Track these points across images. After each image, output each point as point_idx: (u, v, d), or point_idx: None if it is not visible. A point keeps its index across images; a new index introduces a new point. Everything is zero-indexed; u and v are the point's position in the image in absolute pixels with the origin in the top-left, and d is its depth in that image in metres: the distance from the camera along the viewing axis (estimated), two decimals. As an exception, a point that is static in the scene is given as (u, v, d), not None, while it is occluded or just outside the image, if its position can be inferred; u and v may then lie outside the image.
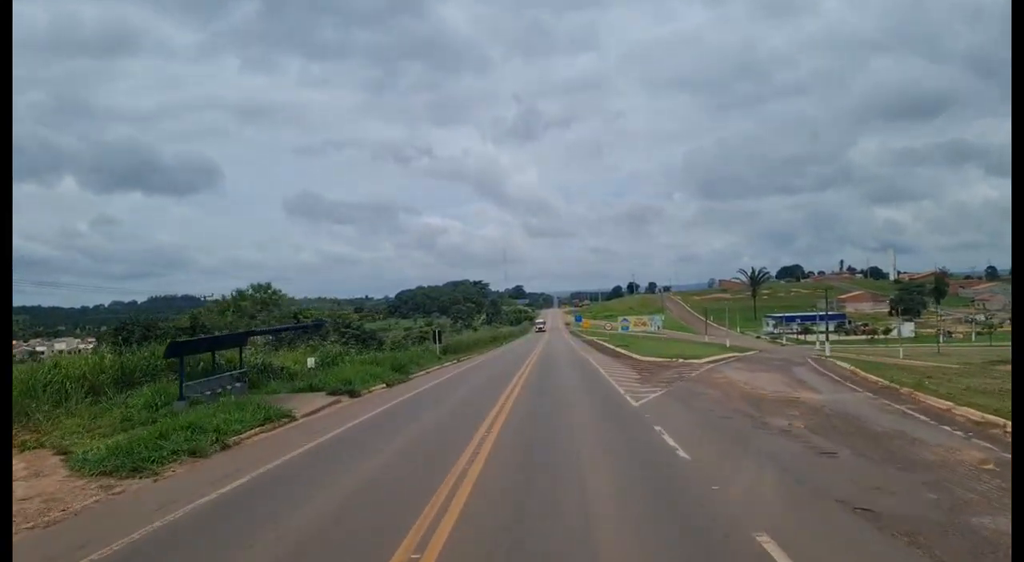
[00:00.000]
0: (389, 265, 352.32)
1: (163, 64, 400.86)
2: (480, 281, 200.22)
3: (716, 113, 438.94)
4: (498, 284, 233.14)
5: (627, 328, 79.79)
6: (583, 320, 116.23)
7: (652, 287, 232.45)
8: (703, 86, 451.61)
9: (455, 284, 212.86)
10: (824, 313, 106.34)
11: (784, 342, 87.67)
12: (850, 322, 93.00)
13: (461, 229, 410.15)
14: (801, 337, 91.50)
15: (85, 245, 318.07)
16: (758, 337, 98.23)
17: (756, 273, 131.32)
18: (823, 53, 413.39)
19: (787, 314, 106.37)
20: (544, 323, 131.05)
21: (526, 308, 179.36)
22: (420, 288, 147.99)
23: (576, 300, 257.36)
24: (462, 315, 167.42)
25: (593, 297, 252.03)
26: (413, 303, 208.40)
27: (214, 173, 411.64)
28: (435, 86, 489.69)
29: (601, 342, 59.18)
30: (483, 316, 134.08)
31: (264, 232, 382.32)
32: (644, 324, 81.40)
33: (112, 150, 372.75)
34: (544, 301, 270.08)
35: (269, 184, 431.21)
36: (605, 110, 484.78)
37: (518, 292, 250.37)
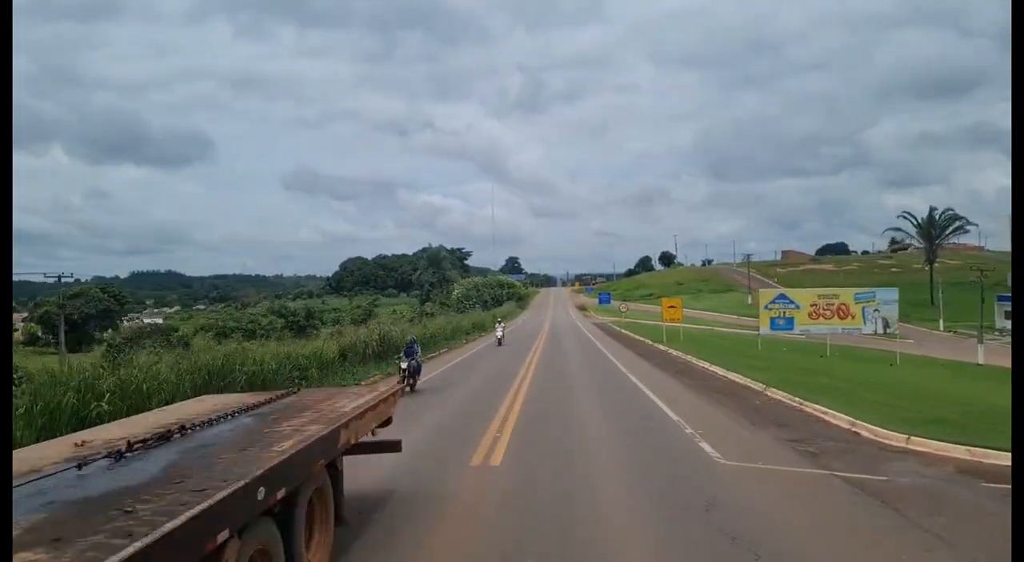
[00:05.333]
0: (388, 245, 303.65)
1: (153, 31, 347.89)
2: (460, 248, 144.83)
3: (728, 90, 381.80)
4: (487, 259, 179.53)
5: (790, 325, 25.24)
6: (611, 299, 60.29)
7: (670, 260, 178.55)
8: (713, 62, 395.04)
9: (425, 251, 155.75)
10: None
11: None
12: None
13: (460, 207, 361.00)
14: None
15: (73, 218, 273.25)
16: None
17: (937, 224, 67.40)
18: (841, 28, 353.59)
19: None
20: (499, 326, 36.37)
21: (515, 282, 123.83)
22: (376, 257, 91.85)
23: (586, 278, 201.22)
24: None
25: (607, 277, 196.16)
26: (361, 275, 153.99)
27: (207, 145, 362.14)
28: (436, 58, 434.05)
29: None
30: (421, 293, 77.35)
31: (259, 207, 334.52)
32: (846, 315, 25.70)
33: (101, 121, 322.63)
34: (545, 280, 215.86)
35: (264, 158, 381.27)
36: (611, 86, 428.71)
37: (513, 267, 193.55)
